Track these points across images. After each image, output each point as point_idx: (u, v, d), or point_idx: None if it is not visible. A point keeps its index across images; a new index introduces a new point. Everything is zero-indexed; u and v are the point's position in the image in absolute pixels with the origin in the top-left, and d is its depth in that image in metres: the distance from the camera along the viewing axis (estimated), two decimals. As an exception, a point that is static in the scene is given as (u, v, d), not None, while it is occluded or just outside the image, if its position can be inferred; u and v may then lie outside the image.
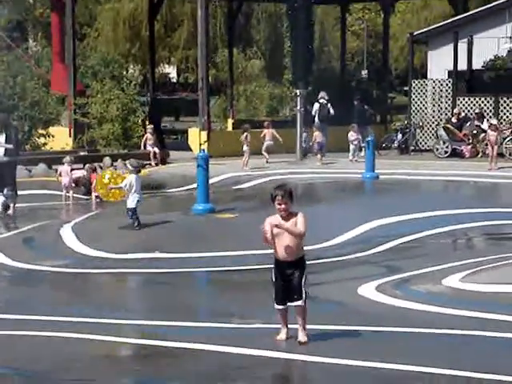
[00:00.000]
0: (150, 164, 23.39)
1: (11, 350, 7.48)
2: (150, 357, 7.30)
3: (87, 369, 6.87)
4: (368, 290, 9.64)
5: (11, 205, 16.34)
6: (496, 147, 22.40)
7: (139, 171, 14.12)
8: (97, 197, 18.20)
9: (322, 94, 26.48)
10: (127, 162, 14.36)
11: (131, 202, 13.58)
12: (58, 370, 6.78)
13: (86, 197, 19.03)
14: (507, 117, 26.93)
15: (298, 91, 25.21)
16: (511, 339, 7.47)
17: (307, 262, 6.99)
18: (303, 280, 7.16)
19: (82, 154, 21.91)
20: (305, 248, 7.31)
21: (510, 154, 24.70)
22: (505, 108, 27.10)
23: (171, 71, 55.12)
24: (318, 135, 24.12)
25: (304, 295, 7.15)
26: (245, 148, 22.54)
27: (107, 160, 13.82)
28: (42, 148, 24.78)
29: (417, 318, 8.41)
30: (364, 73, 46.95)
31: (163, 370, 6.83)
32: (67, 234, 13.68)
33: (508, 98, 27.04)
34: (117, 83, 26.53)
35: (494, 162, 22.16)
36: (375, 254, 12.44)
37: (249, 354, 7.05)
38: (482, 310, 8.45)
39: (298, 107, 24.72)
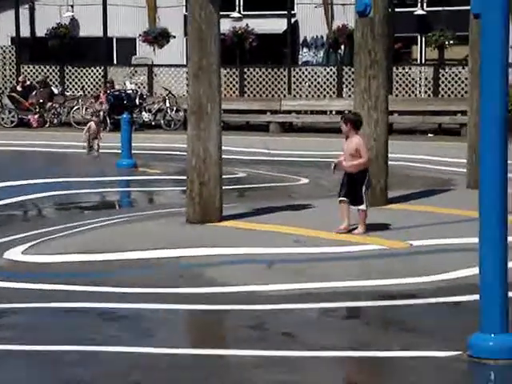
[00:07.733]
0: None
1: None
2: None
3: None
4: None
5: None
6: None
7: None
8: None
9: None
10: None
11: None
12: None
13: None
14: (73, 85, 26.99)
15: None
16: (65, 308, 7.22)
17: None
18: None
19: None
20: None
21: (77, 124, 24.62)
22: (70, 77, 27.10)
23: None
24: None
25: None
26: None
27: None
28: None
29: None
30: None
31: None
32: None
33: (73, 67, 27.07)
34: None
35: None
36: None
37: None
38: (42, 281, 8.10)
39: None
